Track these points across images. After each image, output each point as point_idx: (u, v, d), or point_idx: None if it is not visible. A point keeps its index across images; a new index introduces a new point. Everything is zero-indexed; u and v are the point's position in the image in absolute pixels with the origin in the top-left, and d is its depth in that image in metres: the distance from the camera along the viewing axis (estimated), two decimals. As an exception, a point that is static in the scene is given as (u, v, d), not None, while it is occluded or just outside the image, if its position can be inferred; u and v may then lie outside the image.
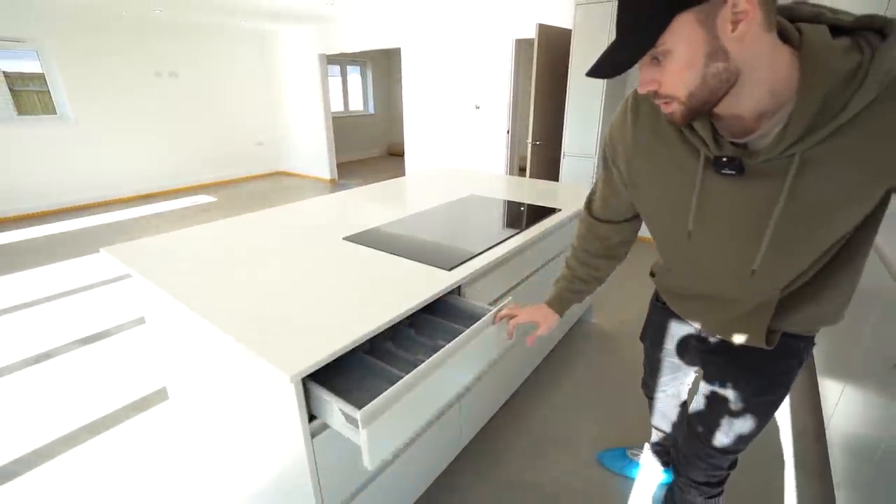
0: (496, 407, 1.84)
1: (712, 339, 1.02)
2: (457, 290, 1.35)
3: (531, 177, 3.90)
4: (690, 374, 1.29)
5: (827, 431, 1.70)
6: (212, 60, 6.54)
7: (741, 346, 0.92)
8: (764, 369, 0.92)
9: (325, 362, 0.91)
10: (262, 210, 2.04)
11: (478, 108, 4.99)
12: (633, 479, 1.65)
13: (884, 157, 0.60)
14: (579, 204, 2.11)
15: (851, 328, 1.64)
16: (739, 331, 0.89)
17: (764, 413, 0.96)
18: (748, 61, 0.59)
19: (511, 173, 5.06)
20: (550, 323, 1.13)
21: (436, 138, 5.50)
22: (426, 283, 1.25)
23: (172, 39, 6.01)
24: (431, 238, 1.65)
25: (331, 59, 7.17)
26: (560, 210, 2.00)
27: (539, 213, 1.98)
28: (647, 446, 1.62)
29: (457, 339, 1.02)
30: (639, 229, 1.06)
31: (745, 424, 0.98)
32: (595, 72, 0.65)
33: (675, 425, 1.42)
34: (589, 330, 2.66)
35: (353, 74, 9.17)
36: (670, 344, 1.18)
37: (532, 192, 2.45)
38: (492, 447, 1.80)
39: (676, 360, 1.21)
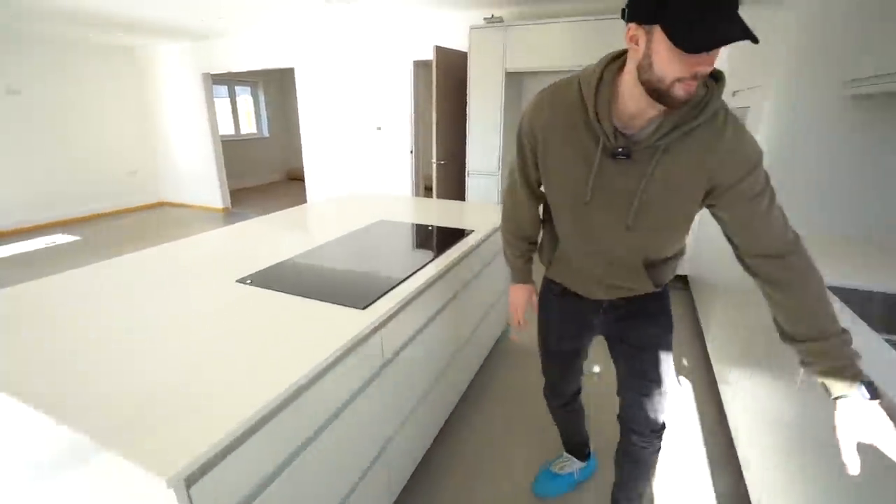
0: (426, 445, 1.71)
1: (608, 305, 1.18)
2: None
3: (438, 196, 3.89)
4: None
5: (729, 420, 1.84)
6: (65, 77, 5.67)
7: (631, 300, 1.14)
8: (655, 310, 1.17)
9: (209, 455, 0.73)
10: (135, 251, 1.72)
11: (379, 129, 4.91)
12: (574, 488, 1.67)
13: (705, 156, 0.86)
14: (491, 224, 2.10)
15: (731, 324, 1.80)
16: (627, 282, 1.10)
17: (670, 343, 1.19)
18: None
19: (417, 194, 5.03)
20: (534, 295, 1.35)
21: (337, 161, 5.30)
22: (337, 328, 1.11)
23: (13, 51, 5.11)
24: (341, 272, 1.50)
25: (217, 79, 6.63)
26: (473, 231, 1.97)
27: (453, 235, 1.92)
28: (565, 454, 1.70)
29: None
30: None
31: (667, 357, 1.18)
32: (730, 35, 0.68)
33: (581, 414, 1.57)
34: (508, 349, 2.66)
35: (244, 95, 8.60)
36: (572, 327, 1.28)
37: (442, 213, 2.40)
38: (426, 488, 1.67)
39: (578, 345, 1.33)
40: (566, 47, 3.38)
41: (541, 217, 1.24)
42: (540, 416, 2.04)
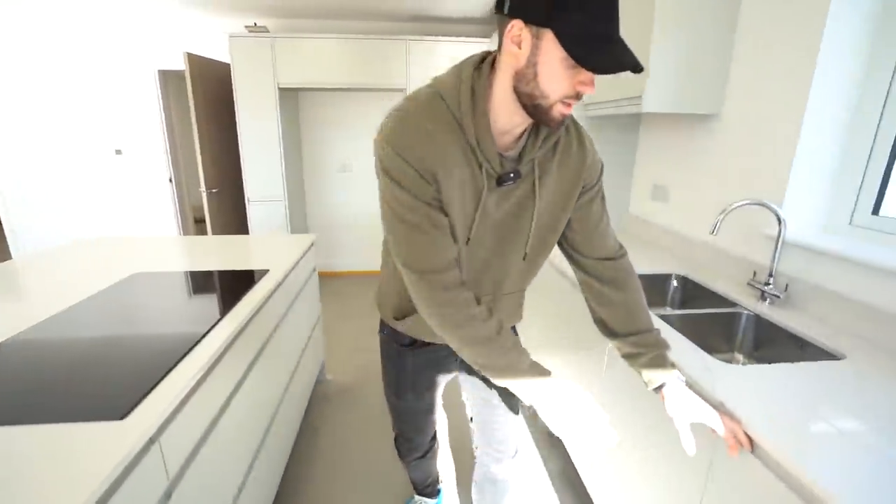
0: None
1: None
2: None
3: (213, 232, 3.29)
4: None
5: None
6: None
7: None
8: None
9: None
10: None
11: (119, 152, 3.89)
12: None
13: (580, 168, 0.86)
14: (287, 257, 1.82)
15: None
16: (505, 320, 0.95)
17: None
18: None
19: (185, 231, 4.19)
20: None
21: (58, 196, 3.96)
22: (78, 464, 0.71)
23: None
24: (78, 363, 1.02)
25: None
26: (268, 271, 1.65)
27: (242, 281, 1.57)
28: (416, 497, 1.59)
29: None
30: None
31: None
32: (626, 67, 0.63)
33: (436, 454, 1.46)
34: (327, 390, 2.39)
35: None
36: (429, 379, 1.15)
37: (222, 253, 1.98)
38: None
39: (436, 394, 1.20)
40: (343, 63, 3.30)
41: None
42: (380, 460, 1.87)
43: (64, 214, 3.99)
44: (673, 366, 0.91)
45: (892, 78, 1.25)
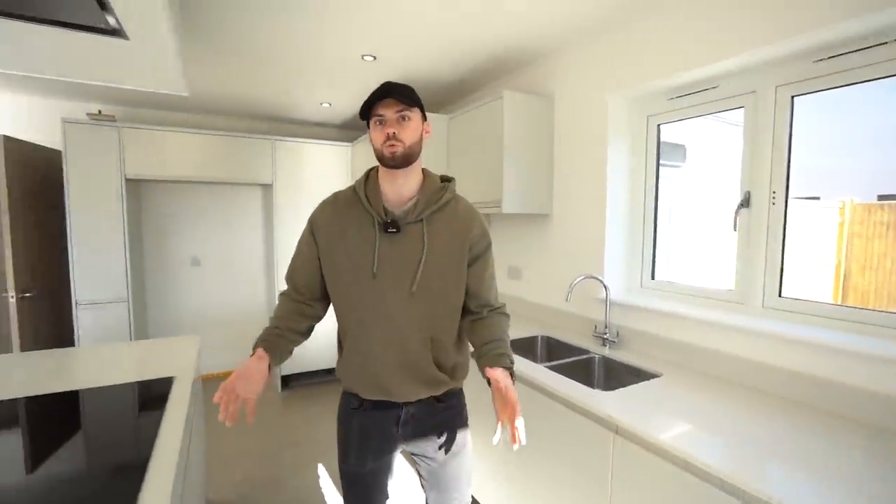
0: None
1: (405, 412, 1.19)
2: None
3: (25, 344, 2.66)
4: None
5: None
6: None
7: (430, 407, 1.20)
8: (459, 422, 1.27)
9: None
10: None
11: None
12: None
13: (465, 231, 1.17)
14: (182, 362, 1.70)
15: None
16: (417, 375, 1.16)
17: (468, 452, 1.29)
18: (421, 151, 1.15)
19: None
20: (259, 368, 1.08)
21: None
22: None
23: None
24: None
25: None
26: (174, 380, 1.53)
27: (148, 393, 1.43)
28: None
29: None
30: (326, 309, 1.26)
31: (468, 468, 1.30)
32: (377, 97, 1.07)
33: None
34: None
35: None
36: (373, 442, 1.22)
37: (88, 367, 1.72)
38: None
39: (381, 463, 1.24)
40: (207, 157, 3.25)
41: (312, 321, 1.24)
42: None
43: None
44: (505, 366, 1.10)
45: (644, 189, 2.02)
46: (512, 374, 1.10)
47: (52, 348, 2.84)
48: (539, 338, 2.21)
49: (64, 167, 2.82)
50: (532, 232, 2.50)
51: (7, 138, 2.60)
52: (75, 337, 2.88)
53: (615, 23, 1.90)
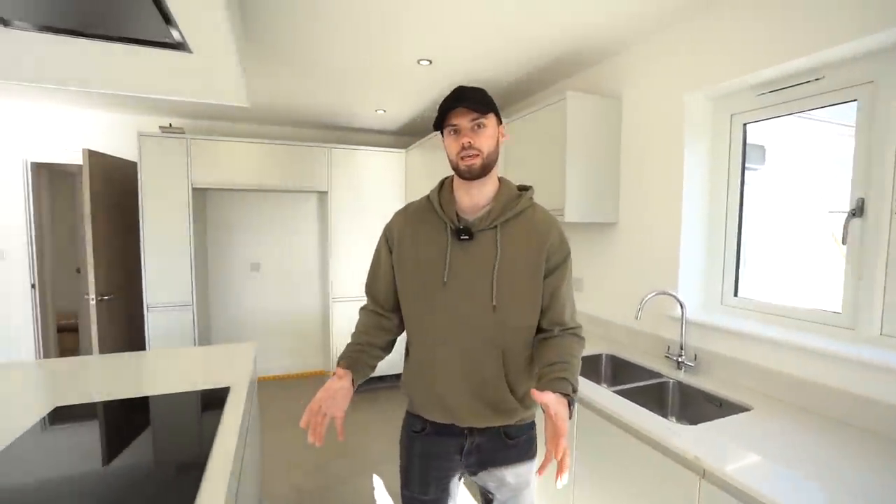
0: None
1: (470, 442, 1.12)
2: None
3: (101, 344, 2.84)
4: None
5: None
6: None
7: (497, 441, 1.12)
8: (527, 451, 1.16)
9: None
10: None
11: (-38, 255, 3.22)
12: None
13: (543, 240, 1.08)
14: (238, 371, 1.71)
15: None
16: (486, 397, 1.08)
17: (532, 489, 1.19)
18: (498, 158, 1.10)
19: (45, 342, 3.49)
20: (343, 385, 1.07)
21: None
22: None
23: None
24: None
25: None
26: (230, 390, 1.54)
27: (205, 402, 1.44)
28: None
29: None
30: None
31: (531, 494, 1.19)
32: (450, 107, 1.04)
33: None
34: (263, 520, 2.11)
35: None
36: (435, 469, 1.16)
37: (151, 372, 1.77)
38: None
39: (443, 492, 1.18)
40: (265, 166, 3.35)
41: (392, 335, 1.21)
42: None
43: None
44: (563, 392, 0.95)
45: (727, 195, 1.81)
46: (571, 404, 0.95)
47: (126, 348, 3.05)
48: (603, 356, 2.04)
49: (139, 178, 3.00)
50: (596, 242, 2.34)
51: (91, 152, 2.80)
52: (146, 338, 3.04)
53: (695, 12, 1.72)
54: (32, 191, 3.36)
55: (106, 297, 2.87)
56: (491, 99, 1.07)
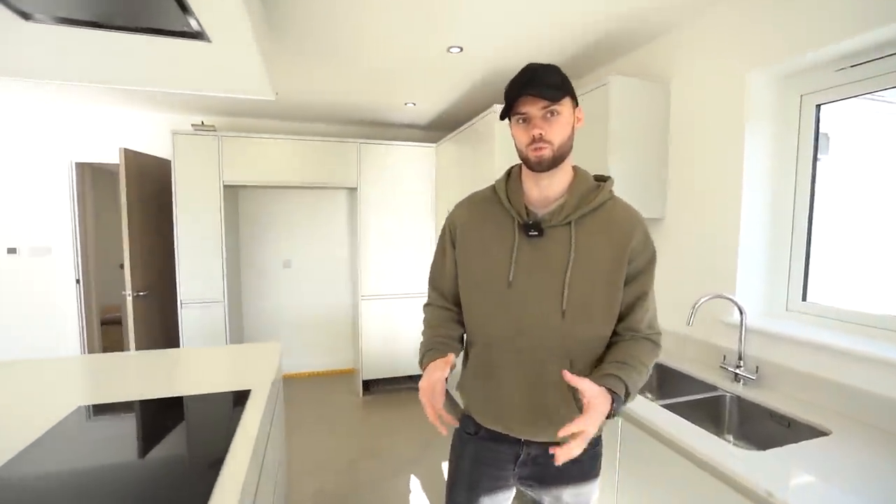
0: None
1: (525, 453, 1.05)
2: None
3: (138, 339, 2.89)
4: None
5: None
6: None
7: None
8: (588, 471, 1.06)
9: None
10: None
11: (13, 251, 3.37)
12: None
13: (625, 240, 0.96)
14: (262, 373, 1.65)
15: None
16: (546, 411, 0.98)
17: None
18: (571, 147, 0.98)
19: (90, 334, 3.61)
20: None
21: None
22: None
23: None
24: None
25: None
26: (251, 391, 1.48)
27: (224, 404, 1.39)
28: None
29: None
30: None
31: None
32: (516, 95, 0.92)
33: None
34: (288, 523, 2.06)
35: None
36: (486, 477, 1.09)
37: (176, 372, 1.74)
38: None
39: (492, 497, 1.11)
40: (294, 163, 3.32)
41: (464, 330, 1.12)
42: None
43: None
44: (611, 387, 0.87)
45: (795, 187, 1.60)
46: (615, 402, 0.86)
47: (161, 343, 3.10)
48: (648, 364, 1.87)
49: (172, 175, 3.03)
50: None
51: (127, 150, 2.84)
52: (180, 334, 3.08)
53: (759, -20, 1.52)
54: (77, 189, 3.47)
55: (142, 293, 2.92)
56: (565, 79, 0.93)
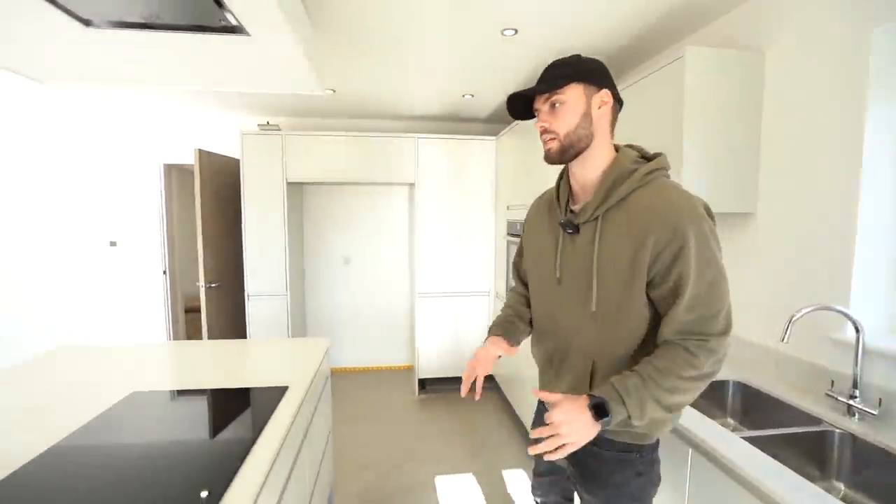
0: None
1: None
2: None
3: (210, 328, 3.07)
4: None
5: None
6: None
7: (583, 455, 0.96)
8: (606, 477, 1.01)
9: None
10: None
11: (114, 244, 3.76)
12: None
13: (630, 225, 0.91)
14: (304, 370, 1.63)
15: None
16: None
17: None
18: (597, 132, 0.94)
19: (175, 321, 3.94)
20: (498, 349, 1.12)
21: (47, 286, 3.73)
22: None
23: None
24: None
25: None
26: (288, 388, 1.46)
27: (259, 400, 1.38)
28: None
29: None
30: None
31: None
32: (518, 95, 0.98)
33: None
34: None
35: None
36: (546, 465, 1.22)
37: (226, 365, 1.78)
38: None
39: (556, 489, 1.24)
40: (353, 160, 3.35)
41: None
42: None
43: (53, 301, 3.72)
44: (595, 395, 0.88)
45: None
46: (602, 406, 0.85)
47: (231, 333, 3.28)
48: (730, 384, 1.59)
49: (241, 174, 3.18)
50: (724, 237, 1.85)
51: (201, 151, 3.02)
52: (247, 324, 3.24)
53: None
54: (165, 188, 3.80)
55: (213, 285, 3.10)
56: (572, 66, 0.93)
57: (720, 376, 1.60)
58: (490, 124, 3.98)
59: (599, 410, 0.85)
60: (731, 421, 1.56)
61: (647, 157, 0.98)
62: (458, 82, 2.81)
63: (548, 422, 0.86)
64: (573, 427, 0.84)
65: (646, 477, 1.01)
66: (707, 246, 0.86)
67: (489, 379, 3.56)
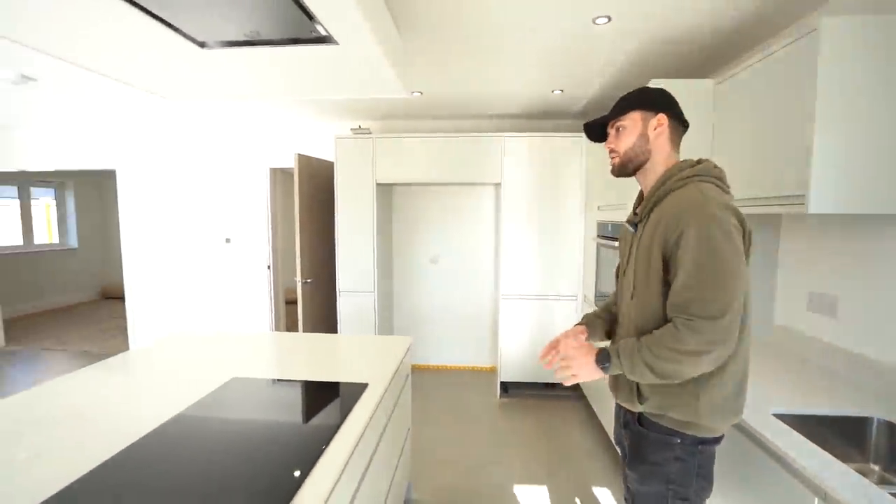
0: None
1: (621, 411, 1.29)
2: None
3: (304, 320, 3.31)
4: None
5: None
6: None
7: (632, 425, 1.18)
8: (645, 454, 1.13)
9: None
10: None
11: (228, 241, 4.23)
12: None
13: (657, 226, 1.06)
14: (384, 368, 1.66)
15: None
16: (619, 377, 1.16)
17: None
18: (654, 149, 1.13)
19: (277, 312, 4.33)
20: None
21: (173, 278, 4.34)
22: None
23: None
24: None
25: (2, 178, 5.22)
26: (368, 385, 1.50)
27: (342, 395, 1.44)
28: None
29: None
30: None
31: None
32: (593, 123, 1.23)
33: None
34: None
35: (46, 198, 6.97)
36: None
37: (316, 358, 1.89)
38: None
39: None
40: (440, 161, 3.39)
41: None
42: None
43: (176, 292, 4.33)
44: (607, 349, 1.10)
45: None
46: (605, 359, 1.08)
47: (324, 326, 3.50)
48: (873, 422, 1.31)
49: (335, 176, 3.38)
50: (862, 243, 1.55)
51: (300, 156, 3.27)
52: (338, 319, 3.44)
53: None
54: (271, 190, 4.18)
55: (308, 280, 3.34)
56: (634, 96, 1.13)
57: (854, 411, 1.34)
58: (580, 120, 3.79)
59: (601, 359, 1.08)
60: (874, 468, 1.29)
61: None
62: (548, 77, 2.70)
63: (562, 353, 1.17)
64: (578, 362, 1.10)
65: (686, 464, 1.07)
66: (711, 239, 0.95)
67: (575, 388, 3.40)
